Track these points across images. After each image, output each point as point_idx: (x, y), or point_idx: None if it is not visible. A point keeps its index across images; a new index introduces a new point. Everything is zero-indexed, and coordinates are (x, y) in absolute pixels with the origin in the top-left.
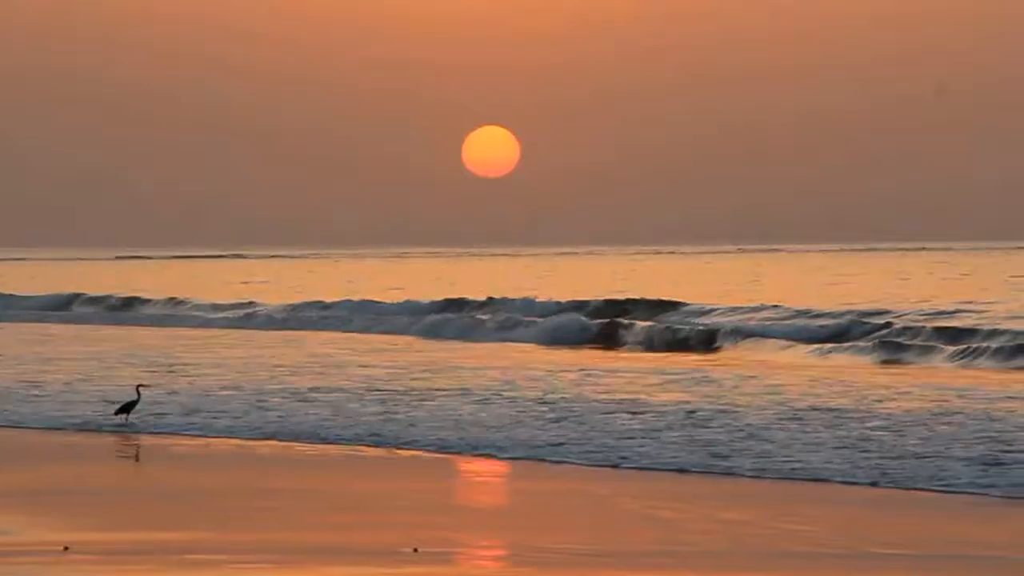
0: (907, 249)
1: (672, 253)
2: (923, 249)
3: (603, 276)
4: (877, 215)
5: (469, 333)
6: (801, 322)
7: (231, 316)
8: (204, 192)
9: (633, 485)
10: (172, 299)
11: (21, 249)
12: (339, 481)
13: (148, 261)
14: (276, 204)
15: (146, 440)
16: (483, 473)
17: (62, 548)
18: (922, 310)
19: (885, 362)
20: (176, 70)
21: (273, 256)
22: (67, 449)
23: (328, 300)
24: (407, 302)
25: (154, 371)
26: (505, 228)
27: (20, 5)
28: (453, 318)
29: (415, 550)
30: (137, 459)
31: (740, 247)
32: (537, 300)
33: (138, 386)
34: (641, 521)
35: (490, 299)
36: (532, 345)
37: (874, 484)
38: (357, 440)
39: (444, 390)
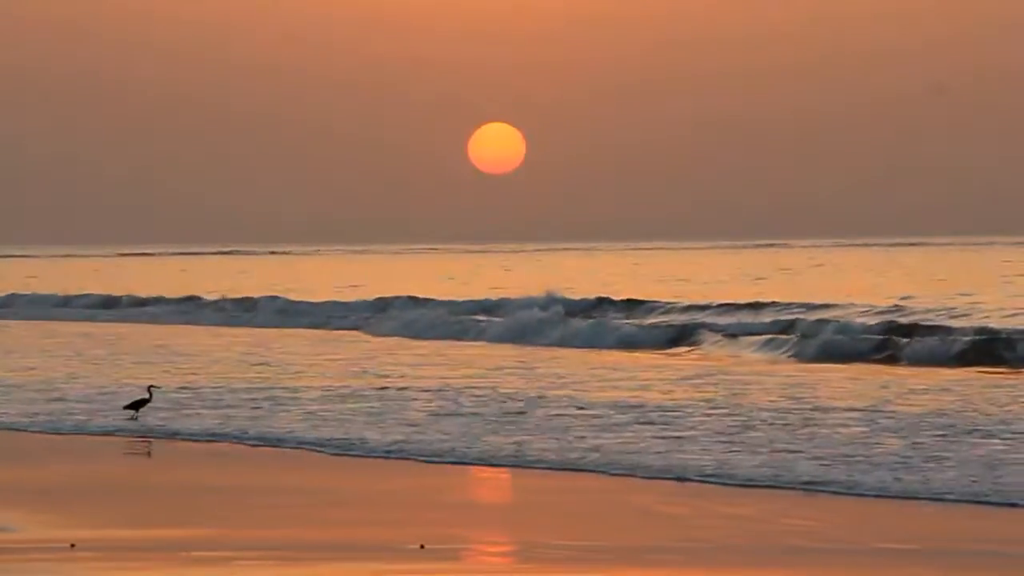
0: (905, 244)
1: (672, 249)
2: (922, 244)
3: (584, 273)
4: (876, 213)
5: (426, 332)
6: (748, 319)
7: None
8: (207, 189)
9: (638, 482)
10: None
11: (23, 247)
12: (344, 479)
13: (149, 258)
14: (280, 201)
15: (152, 438)
16: (488, 471)
17: (69, 545)
18: (877, 307)
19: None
20: (178, 68)
21: (277, 253)
22: (73, 447)
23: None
24: (334, 301)
25: (143, 368)
26: (511, 225)
27: (20, 5)
28: (398, 314)
29: (421, 546)
30: (149, 455)
31: (739, 243)
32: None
33: (150, 387)
34: (647, 517)
35: (412, 298)
36: (487, 344)
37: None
38: (364, 441)
39: (433, 389)
